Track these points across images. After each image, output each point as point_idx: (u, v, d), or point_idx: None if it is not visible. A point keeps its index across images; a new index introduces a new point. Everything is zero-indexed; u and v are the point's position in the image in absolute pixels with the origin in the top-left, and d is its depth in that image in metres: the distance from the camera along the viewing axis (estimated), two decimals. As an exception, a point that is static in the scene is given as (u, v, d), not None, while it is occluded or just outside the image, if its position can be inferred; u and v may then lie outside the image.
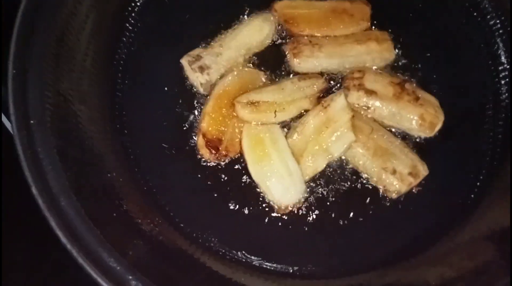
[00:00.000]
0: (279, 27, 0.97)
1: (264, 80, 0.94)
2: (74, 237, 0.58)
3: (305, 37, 0.96)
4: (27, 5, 0.68)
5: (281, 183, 0.84)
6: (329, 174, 0.88)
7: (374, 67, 0.95)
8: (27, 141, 0.62)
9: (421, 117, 0.88)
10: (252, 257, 0.81)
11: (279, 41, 0.96)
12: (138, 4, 0.94)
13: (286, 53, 0.95)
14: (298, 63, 0.93)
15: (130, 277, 0.57)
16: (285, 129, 0.90)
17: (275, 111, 0.87)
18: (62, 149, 0.66)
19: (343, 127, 0.86)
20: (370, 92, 0.89)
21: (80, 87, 0.77)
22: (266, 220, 0.84)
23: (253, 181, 0.85)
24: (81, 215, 0.61)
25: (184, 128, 0.89)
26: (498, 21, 0.91)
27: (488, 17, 0.93)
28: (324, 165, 0.86)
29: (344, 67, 0.94)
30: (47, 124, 0.66)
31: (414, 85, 0.91)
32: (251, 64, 0.95)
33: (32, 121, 0.64)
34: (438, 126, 0.89)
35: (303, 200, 0.85)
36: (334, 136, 0.86)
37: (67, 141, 0.69)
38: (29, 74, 0.66)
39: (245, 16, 0.97)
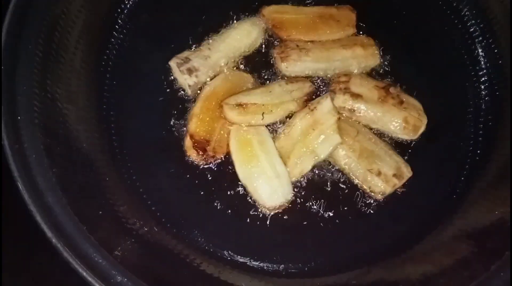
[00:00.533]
0: (267, 31, 0.98)
1: (252, 82, 0.94)
2: (60, 233, 0.58)
3: (293, 42, 0.97)
4: (17, 3, 0.68)
5: (269, 184, 0.85)
6: (315, 175, 0.89)
7: (360, 71, 0.96)
8: (14, 136, 0.62)
9: (405, 120, 0.90)
10: (238, 256, 0.82)
11: (267, 45, 0.98)
12: (128, 5, 0.95)
13: (274, 57, 0.96)
14: (285, 67, 0.94)
15: (115, 272, 0.57)
16: (272, 131, 0.91)
17: (263, 113, 0.88)
18: (49, 146, 0.66)
19: (329, 130, 0.88)
20: (356, 96, 0.91)
21: (68, 87, 0.77)
22: (252, 220, 0.84)
23: (241, 182, 0.86)
24: (67, 211, 0.61)
25: (172, 129, 0.90)
26: (477, 28, 0.94)
27: (468, 24, 0.96)
28: (311, 167, 0.87)
29: (331, 71, 0.96)
30: (35, 121, 0.66)
31: (399, 89, 0.93)
32: (239, 67, 0.96)
33: (19, 118, 0.64)
34: (422, 129, 0.91)
35: (290, 201, 0.86)
36: (321, 138, 0.87)
37: (54, 138, 0.69)
38: (18, 71, 0.67)
39: (234, 20, 0.98)
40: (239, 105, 0.88)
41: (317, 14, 1.00)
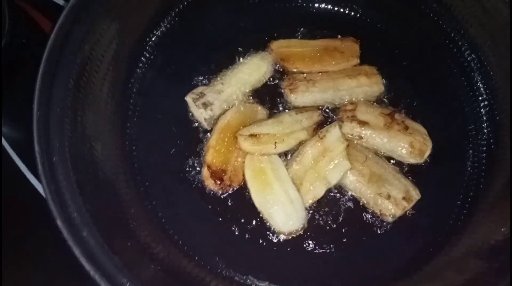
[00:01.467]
0: (276, 65, 1.04)
1: (263, 114, 0.99)
2: (96, 265, 0.62)
3: (300, 74, 1.02)
4: (50, 51, 0.75)
5: (283, 210, 0.89)
6: (328, 200, 0.93)
7: (365, 99, 1.01)
8: (51, 177, 0.67)
9: (410, 144, 0.94)
10: (258, 281, 0.85)
11: (276, 77, 1.03)
12: (148, 46, 1.01)
13: (283, 89, 1.01)
14: (294, 98, 0.99)
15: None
16: (285, 159, 0.95)
17: (275, 142, 0.92)
18: (81, 184, 0.72)
19: (339, 156, 0.92)
20: (363, 123, 0.95)
21: (94, 126, 0.83)
22: (269, 245, 0.88)
23: (257, 208, 0.90)
24: (100, 243, 0.65)
25: (190, 161, 0.94)
26: (475, 57, 0.99)
27: (466, 53, 1.00)
28: (323, 192, 0.91)
29: (338, 100, 1.01)
30: (68, 160, 0.71)
31: (403, 115, 0.98)
32: (251, 99, 1.01)
33: (54, 158, 0.69)
34: (427, 153, 0.94)
35: (304, 226, 0.90)
36: (331, 164, 0.92)
37: (84, 176, 0.74)
38: (51, 115, 0.72)
39: (244, 55, 1.04)
40: (253, 135, 0.92)
41: (322, 47, 1.05)
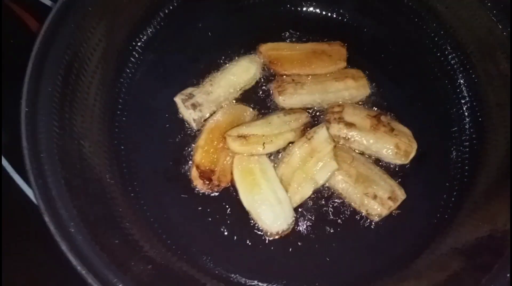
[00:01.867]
0: (265, 67, 1.05)
1: (252, 115, 1.01)
2: (84, 261, 0.62)
3: (289, 76, 1.04)
4: (38, 50, 0.75)
5: (271, 210, 0.90)
6: (315, 200, 0.94)
7: (352, 102, 1.03)
8: (38, 173, 0.67)
9: (396, 146, 0.96)
10: (244, 279, 0.86)
11: (265, 79, 1.05)
12: (137, 47, 1.02)
13: (272, 91, 1.03)
14: (282, 100, 1.01)
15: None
16: (273, 160, 0.96)
17: (263, 143, 0.93)
18: (69, 180, 0.71)
19: (326, 157, 0.93)
20: (350, 125, 0.97)
21: (82, 123, 0.83)
22: (257, 244, 0.88)
23: (245, 208, 0.90)
24: (88, 240, 0.65)
25: (179, 161, 0.95)
26: (458, 60, 1.02)
27: (449, 57, 1.03)
28: (311, 192, 0.92)
29: (325, 102, 1.02)
30: (55, 157, 0.71)
31: (389, 117, 1.00)
32: (240, 101, 1.02)
33: (42, 155, 0.69)
34: (412, 154, 0.97)
35: (292, 226, 0.90)
36: (318, 165, 0.93)
37: (72, 172, 0.74)
38: (39, 111, 0.72)
39: (234, 58, 1.05)
40: (241, 136, 0.93)
41: (310, 50, 1.07)
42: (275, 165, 0.95)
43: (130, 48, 1.00)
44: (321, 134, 0.95)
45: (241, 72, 1.02)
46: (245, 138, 0.93)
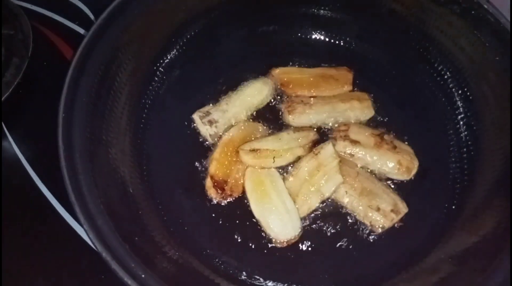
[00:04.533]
0: (276, 89, 1.13)
1: (263, 131, 1.08)
2: (108, 248, 0.69)
3: (298, 97, 1.11)
4: (75, 66, 0.84)
5: (280, 219, 0.95)
6: (322, 212, 0.99)
7: (357, 122, 1.10)
8: (71, 170, 0.75)
9: (398, 162, 1.01)
10: (253, 279, 0.91)
11: (276, 100, 1.13)
12: (163, 64, 1.12)
13: (282, 110, 1.10)
14: (292, 119, 1.08)
15: (153, 283, 0.67)
16: (282, 173, 1.02)
17: (274, 157, 1.00)
18: (97, 179, 0.79)
19: (332, 171, 0.99)
20: (354, 142, 1.03)
21: (110, 134, 0.91)
22: (267, 250, 0.94)
23: (255, 217, 0.96)
24: (113, 232, 0.72)
25: (195, 172, 1.02)
26: (455, 83, 1.09)
27: (448, 80, 1.10)
28: (317, 204, 0.98)
29: (331, 121, 1.09)
30: (87, 158, 0.79)
31: (392, 136, 1.06)
32: (252, 119, 1.10)
33: (76, 155, 0.77)
34: (414, 170, 1.02)
35: (299, 234, 0.95)
36: (325, 178, 0.99)
37: (101, 173, 0.82)
38: (74, 119, 0.81)
39: (248, 80, 1.13)
40: (253, 150, 1.00)
41: (318, 74, 1.15)
42: (284, 178, 1.01)
43: (155, 68, 1.09)
44: (327, 149, 1.01)
45: (254, 93, 1.10)
46: (257, 152, 1.00)
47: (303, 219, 0.97)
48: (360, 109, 1.10)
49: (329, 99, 1.11)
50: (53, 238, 0.99)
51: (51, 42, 1.30)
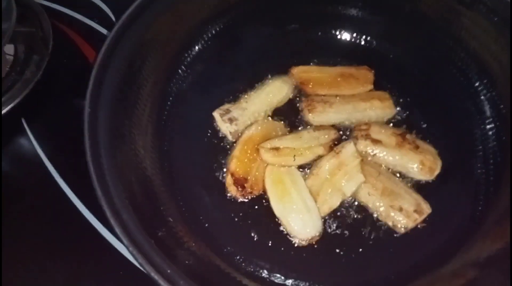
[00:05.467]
0: (296, 87, 1.13)
1: (283, 130, 1.07)
2: (134, 243, 0.69)
3: (318, 96, 1.11)
4: (101, 63, 0.84)
5: (300, 218, 0.94)
6: (343, 211, 0.98)
7: (378, 121, 1.09)
8: (97, 165, 0.75)
9: (421, 162, 1.00)
10: (273, 276, 0.90)
11: (296, 99, 1.12)
12: (185, 61, 1.12)
13: (302, 109, 1.10)
14: (312, 117, 1.07)
15: (177, 277, 0.67)
16: (303, 172, 1.01)
17: (294, 155, 0.99)
18: (123, 174, 0.79)
19: (353, 170, 0.98)
20: (376, 141, 1.02)
21: (135, 130, 0.92)
22: (286, 248, 0.93)
23: (275, 215, 0.95)
24: (137, 227, 0.72)
25: (215, 169, 1.02)
26: (481, 83, 1.07)
27: (472, 79, 1.08)
28: (338, 203, 0.96)
29: (352, 121, 1.08)
30: (112, 153, 0.78)
31: (414, 136, 1.05)
32: (272, 117, 1.09)
33: (101, 150, 0.76)
34: (437, 171, 1.00)
35: (320, 234, 0.94)
36: (346, 177, 0.98)
37: (126, 169, 0.82)
38: (99, 115, 0.81)
39: (268, 78, 1.14)
40: (274, 148, 0.99)
41: (338, 73, 1.14)
42: (305, 177, 1.00)
43: (177, 65, 1.10)
44: (348, 148, 1.00)
45: (274, 92, 1.10)
46: (277, 150, 0.99)
47: (323, 218, 0.96)
48: (381, 108, 1.09)
49: (350, 98, 1.11)
50: (72, 236, 0.99)
51: (71, 40, 1.31)
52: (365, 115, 1.09)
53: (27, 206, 1.02)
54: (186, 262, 0.76)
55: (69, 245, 0.96)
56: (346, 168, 0.99)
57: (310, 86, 1.12)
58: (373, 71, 1.14)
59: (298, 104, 1.12)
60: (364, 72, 1.15)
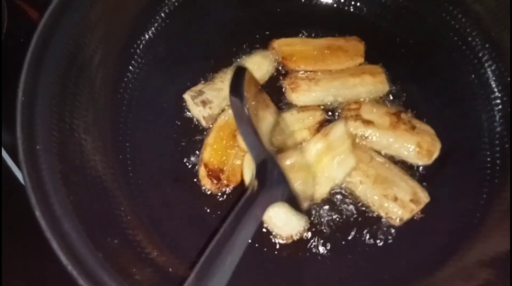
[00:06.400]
0: (277, 63, 1.01)
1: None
2: (76, 259, 0.58)
3: (303, 73, 0.99)
4: (39, 37, 0.72)
5: (283, 212, 0.84)
6: (331, 203, 0.88)
7: (370, 99, 0.97)
8: (32, 165, 0.63)
9: (418, 145, 0.89)
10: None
11: (277, 76, 1.00)
12: (144, 40, 0.98)
13: (285, 88, 0.98)
14: (296, 97, 0.96)
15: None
16: (286, 159, 0.91)
17: (276, 141, 0.89)
18: (66, 175, 0.67)
19: (343, 154, 0.88)
20: (367, 122, 0.92)
21: (85, 118, 0.79)
22: (269, 249, 0.83)
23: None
24: (83, 238, 0.61)
25: (186, 159, 0.91)
26: (486, 53, 0.95)
27: (477, 49, 0.96)
28: (327, 191, 0.87)
29: (341, 99, 0.97)
30: (53, 150, 0.67)
31: (410, 115, 0.94)
32: (251, 98, 0.98)
33: (38, 147, 0.65)
34: (436, 154, 0.90)
35: (305, 229, 0.85)
36: (335, 162, 0.87)
37: (71, 167, 0.70)
38: (37, 102, 0.69)
39: (245, 53, 1.01)
40: (254, 131, 0.89)
41: (325, 46, 1.02)
42: None
43: (136, 44, 0.96)
44: (337, 129, 0.89)
45: (253, 69, 0.97)
46: None
47: (311, 211, 0.86)
48: (373, 84, 0.97)
49: (338, 74, 0.99)
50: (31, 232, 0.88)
51: (29, 17, 1.16)
52: (354, 92, 0.97)
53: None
54: (145, 275, 0.65)
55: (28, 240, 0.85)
56: (335, 152, 0.88)
57: (294, 60, 1.00)
58: (363, 42, 1.02)
59: (279, 83, 0.99)
60: (354, 43, 1.03)
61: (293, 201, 0.76)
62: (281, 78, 1.00)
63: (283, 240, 0.84)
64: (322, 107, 0.97)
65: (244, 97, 0.72)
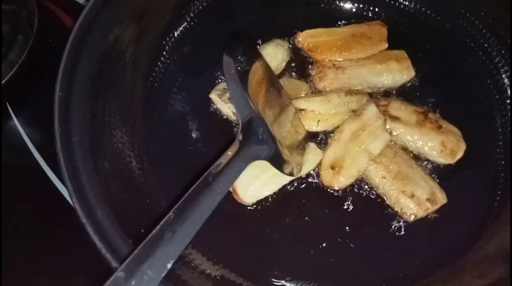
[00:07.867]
0: (291, 48, 1.01)
1: (307, 89, 0.98)
2: (109, 244, 0.62)
3: (329, 61, 0.99)
4: (75, 37, 0.74)
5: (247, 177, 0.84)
6: (347, 196, 0.89)
7: (396, 86, 0.99)
8: (68, 155, 0.67)
9: (442, 144, 0.90)
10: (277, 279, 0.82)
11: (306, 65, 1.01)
12: (172, 38, 1.00)
13: (312, 77, 0.99)
14: (323, 86, 0.97)
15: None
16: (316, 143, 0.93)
17: (318, 121, 0.92)
18: (98, 166, 0.71)
19: (378, 129, 0.90)
20: (394, 118, 0.92)
21: (115, 114, 0.82)
22: (275, 240, 0.85)
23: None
24: (114, 225, 0.65)
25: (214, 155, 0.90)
26: (502, 58, 0.96)
27: (493, 55, 0.97)
28: (366, 164, 0.88)
29: (364, 86, 0.98)
30: (87, 143, 0.71)
31: (438, 115, 0.93)
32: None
33: (73, 139, 0.69)
34: (459, 154, 0.90)
35: (251, 204, 0.87)
36: (371, 136, 0.89)
37: (103, 159, 0.74)
38: (73, 97, 0.72)
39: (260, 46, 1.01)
40: (299, 109, 0.92)
41: (349, 34, 1.02)
42: (322, 149, 0.92)
43: (164, 42, 0.98)
44: (370, 110, 0.91)
45: (268, 60, 0.96)
46: (302, 112, 0.92)
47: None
48: (399, 70, 0.98)
49: (363, 61, 1.00)
50: (58, 226, 0.93)
51: (58, 18, 1.17)
52: (380, 79, 0.98)
53: (11, 194, 0.95)
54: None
55: (55, 235, 0.91)
56: (370, 128, 0.90)
57: (319, 51, 1.00)
58: (386, 27, 1.02)
59: (307, 71, 1.00)
60: (377, 28, 1.02)
61: (276, 162, 0.77)
62: (310, 66, 1.00)
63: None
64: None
65: (236, 58, 0.75)
